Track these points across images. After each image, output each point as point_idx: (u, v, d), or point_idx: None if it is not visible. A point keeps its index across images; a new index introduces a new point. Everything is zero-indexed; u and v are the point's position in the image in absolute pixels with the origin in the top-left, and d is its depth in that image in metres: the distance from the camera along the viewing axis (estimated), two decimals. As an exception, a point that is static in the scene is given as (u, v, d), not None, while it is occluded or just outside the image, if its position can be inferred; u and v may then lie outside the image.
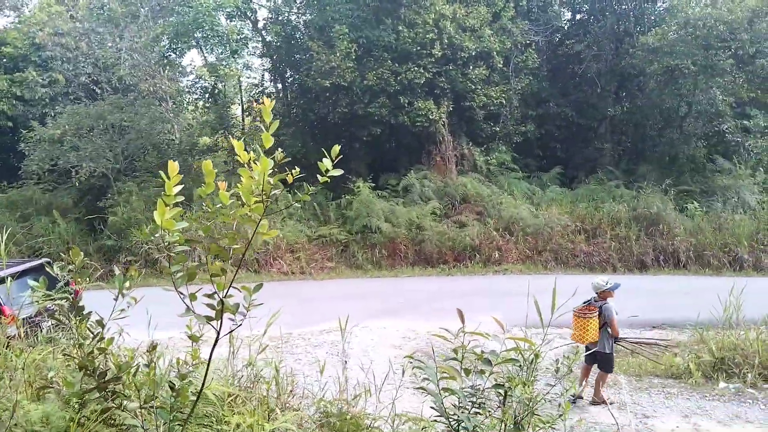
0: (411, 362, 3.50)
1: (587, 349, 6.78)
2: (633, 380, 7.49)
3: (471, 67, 19.39)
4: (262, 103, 2.28)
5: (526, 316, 3.95)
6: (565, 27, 24.93)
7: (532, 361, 3.72)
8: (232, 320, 2.31)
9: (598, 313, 6.75)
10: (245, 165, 2.20)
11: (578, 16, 25.39)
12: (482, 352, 3.60)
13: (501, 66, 20.33)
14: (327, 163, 2.27)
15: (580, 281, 5.69)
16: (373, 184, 18.27)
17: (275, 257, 16.17)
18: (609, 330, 6.79)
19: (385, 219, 16.96)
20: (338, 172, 2.29)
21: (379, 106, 18.30)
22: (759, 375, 7.10)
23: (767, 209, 17.71)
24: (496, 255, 16.32)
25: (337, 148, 2.30)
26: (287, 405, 5.10)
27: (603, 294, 6.92)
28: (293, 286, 14.50)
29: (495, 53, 19.68)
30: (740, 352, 7.34)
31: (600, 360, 6.91)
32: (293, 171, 2.25)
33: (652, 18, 22.29)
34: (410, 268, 16.20)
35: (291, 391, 5.51)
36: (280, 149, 2.34)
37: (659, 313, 10.69)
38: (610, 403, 6.84)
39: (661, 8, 22.38)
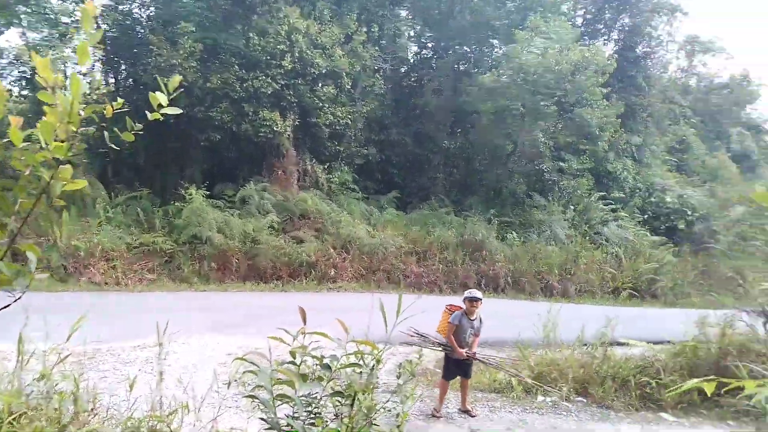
0: (242, 366, 3.07)
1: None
2: (459, 394, 7.59)
3: (320, 85, 19.33)
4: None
5: (367, 330, 3.75)
6: (411, 60, 26.04)
7: (373, 367, 3.49)
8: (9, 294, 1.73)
9: (450, 314, 7.02)
10: (49, 89, 1.67)
11: (423, 52, 26.72)
12: (322, 356, 3.31)
13: (349, 87, 20.52)
14: (161, 97, 1.81)
15: (411, 300, 5.65)
16: (208, 192, 17.19)
17: (87, 265, 14.41)
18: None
19: (218, 230, 16.00)
20: (176, 111, 1.85)
21: (221, 111, 17.43)
22: (572, 389, 7.61)
23: (575, 243, 19.71)
24: (332, 272, 16.19)
25: (177, 78, 1.85)
26: (87, 425, 4.35)
27: (465, 302, 7.03)
28: (106, 297, 12.97)
29: (344, 74, 19.83)
30: (556, 368, 7.84)
31: None
32: (114, 103, 1.76)
33: (490, 61, 24.08)
34: (241, 283, 15.40)
35: (92, 409, 4.74)
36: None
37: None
38: (439, 416, 6.84)
39: (498, 53, 24.27)
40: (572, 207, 22.06)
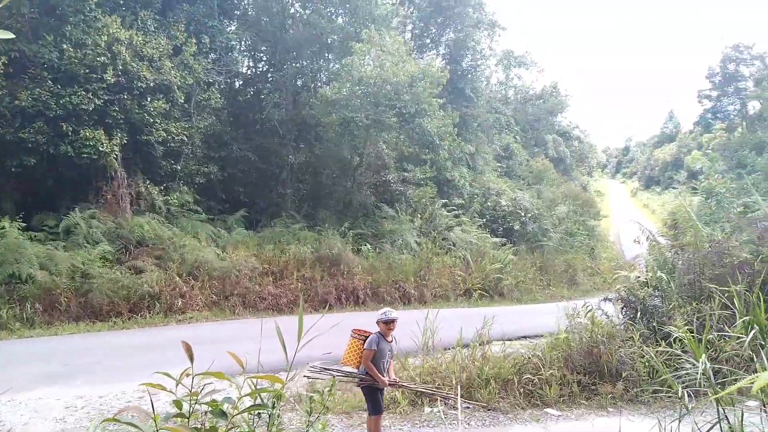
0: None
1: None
2: (343, 418, 7.13)
3: (149, 99, 17.74)
4: None
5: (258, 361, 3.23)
6: (247, 73, 25.19)
7: (273, 405, 2.95)
8: None
9: (363, 339, 6.05)
10: None
11: (259, 66, 25.99)
12: (215, 401, 2.70)
13: (182, 102, 19.08)
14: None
15: (316, 319, 5.07)
16: (25, 224, 14.89)
17: None
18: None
19: (41, 266, 13.89)
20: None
21: (35, 132, 15.26)
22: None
23: (425, 250, 20.20)
24: (180, 302, 14.79)
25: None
26: None
27: (380, 324, 6.16)
28: None
29: (176, 87, 18.43)
30: (439, 375, 7.65)
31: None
32: None
33: (327, 74, 24.07)
34: (74, 324, 13.45)
35: None
36: None
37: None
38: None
39: (335, 67, 24.31)
40: (419, 215, 22.67)
